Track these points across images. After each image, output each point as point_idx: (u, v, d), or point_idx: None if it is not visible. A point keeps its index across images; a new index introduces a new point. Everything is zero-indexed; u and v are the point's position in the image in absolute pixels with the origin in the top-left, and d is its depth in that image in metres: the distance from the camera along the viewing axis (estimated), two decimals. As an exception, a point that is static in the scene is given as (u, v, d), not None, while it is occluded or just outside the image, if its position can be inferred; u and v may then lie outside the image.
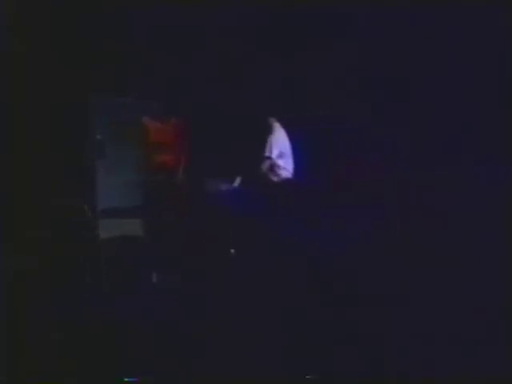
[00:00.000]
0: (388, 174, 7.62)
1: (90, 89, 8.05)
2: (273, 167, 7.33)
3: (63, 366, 4.46)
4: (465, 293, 6.07)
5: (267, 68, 8.31)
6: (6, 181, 6.64)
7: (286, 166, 7.46)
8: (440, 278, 6.54)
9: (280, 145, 7.43)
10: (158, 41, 8.12)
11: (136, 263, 6.88)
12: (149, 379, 4.34)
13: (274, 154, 7.32)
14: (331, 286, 6.04)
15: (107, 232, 7.15)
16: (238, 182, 7.39)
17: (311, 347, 4.82)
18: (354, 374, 4.29)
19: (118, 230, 7.13)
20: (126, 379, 4.25)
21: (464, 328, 5.12)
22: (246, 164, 7.56)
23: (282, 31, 8.41)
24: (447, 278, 6.56)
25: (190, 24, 8.06)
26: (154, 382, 4.35)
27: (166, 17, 7.94)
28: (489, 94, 7.81)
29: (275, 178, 7.36)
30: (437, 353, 4.67)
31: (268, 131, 7.43)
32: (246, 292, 6.01)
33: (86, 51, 7.99)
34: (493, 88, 7.76)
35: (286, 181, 7.42)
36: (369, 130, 7.92)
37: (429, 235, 7.18)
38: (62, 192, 7.42)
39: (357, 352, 4.73)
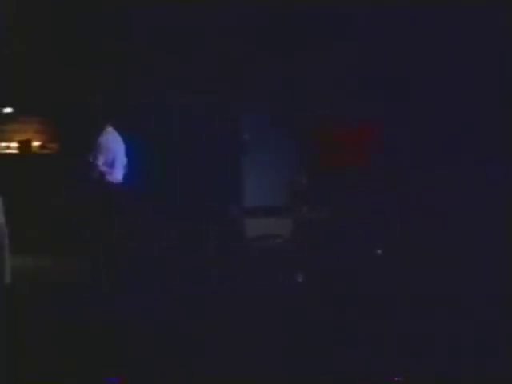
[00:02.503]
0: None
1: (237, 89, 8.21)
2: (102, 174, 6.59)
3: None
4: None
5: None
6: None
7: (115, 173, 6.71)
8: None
9: (110, 151, 6.64)
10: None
11: (279, 262, 6.99)
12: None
13: (101, 160, 6.54)
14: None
15: (253, 231, 7.38)
16: None
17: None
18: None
19: (264, 229, 7.20)
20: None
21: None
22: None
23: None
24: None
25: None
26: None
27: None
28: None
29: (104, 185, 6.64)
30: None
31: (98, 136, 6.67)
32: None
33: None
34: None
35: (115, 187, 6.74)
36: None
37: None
38: (210, 192, 7.80)
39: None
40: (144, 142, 7.48)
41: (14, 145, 7.96)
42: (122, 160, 6.72)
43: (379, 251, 7.34)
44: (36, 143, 7.99)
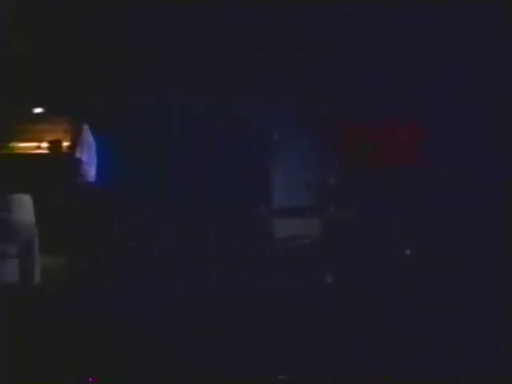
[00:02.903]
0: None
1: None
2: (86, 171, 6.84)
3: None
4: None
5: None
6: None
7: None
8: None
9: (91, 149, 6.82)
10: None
11: (307, 263, 7.00)
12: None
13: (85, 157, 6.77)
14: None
15: (281, 231, 7.33)
16: None
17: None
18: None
19: (292, 229, 7.24)
20: None
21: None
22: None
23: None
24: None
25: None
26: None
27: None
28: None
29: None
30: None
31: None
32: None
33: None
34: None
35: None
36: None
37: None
38: (241, 192, 7.76)
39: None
40: (174, 142, 7.61)
41: (45, 145, 7.98)
42: (94, 159, 6.74)
43: (408, 251, 7.28)
44: (66, 143, 7.98)
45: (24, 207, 6.45)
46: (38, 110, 7.95)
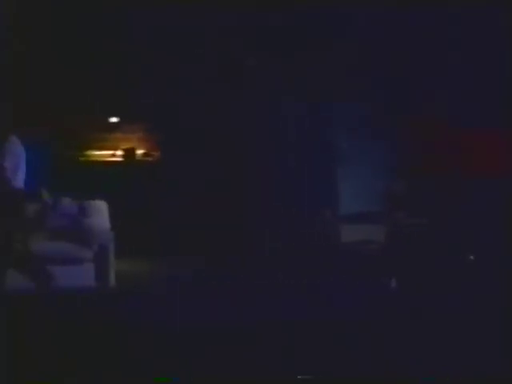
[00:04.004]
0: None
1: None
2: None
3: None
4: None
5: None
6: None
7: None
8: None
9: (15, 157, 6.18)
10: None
11: (373, 267, 7.00)
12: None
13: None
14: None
15: (348, 236, 7.43)
16: None
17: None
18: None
19: (358, 234, 7.28)
20: None
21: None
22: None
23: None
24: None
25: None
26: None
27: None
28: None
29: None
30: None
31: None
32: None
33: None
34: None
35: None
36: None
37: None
38: (307, 197, 8.03)
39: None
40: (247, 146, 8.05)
41: (119, 153, 8.35)
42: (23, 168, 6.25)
43: (472, 257, 7.23)
44: (140, 151, 8.41)
45: (100, 213, 6.65)
46: (113, 120, 8.37)
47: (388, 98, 8.47)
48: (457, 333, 5.06)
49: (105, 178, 7.75)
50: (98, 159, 8.38)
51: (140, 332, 5.11)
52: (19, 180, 6.37)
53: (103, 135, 8.53)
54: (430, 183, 7.92)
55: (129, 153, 8.37)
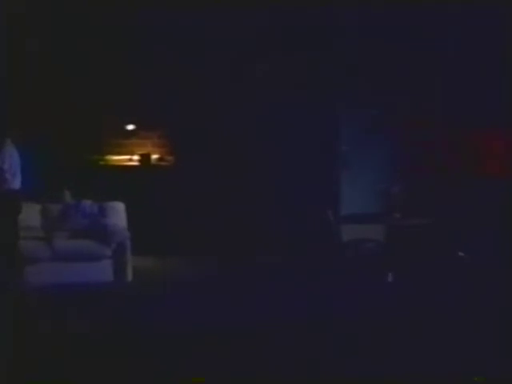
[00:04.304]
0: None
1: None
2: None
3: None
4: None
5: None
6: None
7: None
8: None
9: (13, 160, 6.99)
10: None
11: (372, 265, 7.54)
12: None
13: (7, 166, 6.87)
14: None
15: (347, 235, 7.91)
16: None
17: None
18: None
19: (357, 234, 7.73)
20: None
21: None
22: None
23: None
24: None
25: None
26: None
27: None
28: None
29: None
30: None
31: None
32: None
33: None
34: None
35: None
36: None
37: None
38: (311, 199, 8.51)
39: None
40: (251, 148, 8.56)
41: (135, 158, 8.80)
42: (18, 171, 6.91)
43: (461, 254, 7.63)
44: (154, 156, 8.84)
45: (117, 213, 7.21)
46: (130, 127, 8.82)
47: (387, 100, 8.70)
48: (452, 330, 5.28)
49: (122, 181, 8.19)
50: (116, 164, 8.83)
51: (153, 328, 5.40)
52: (18, 181, 6.89)
53: (121, 142, 8.98)
54: (425, 185, 8.30)
55: (144, 158, 8.82)
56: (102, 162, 8.81)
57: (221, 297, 6.58)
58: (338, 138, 9.06)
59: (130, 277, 7.08)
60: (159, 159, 8.96)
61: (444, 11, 7.90)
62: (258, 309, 6.06)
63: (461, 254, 7.66)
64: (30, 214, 7.05)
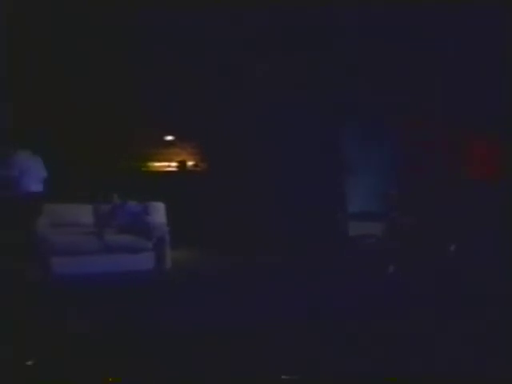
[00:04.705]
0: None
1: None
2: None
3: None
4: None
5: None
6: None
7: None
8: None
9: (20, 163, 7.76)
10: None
11: (373, 256, 8.19)
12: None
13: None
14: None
15: (353, 231, 8.81)
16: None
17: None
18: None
19: (361, 229, 8.59)
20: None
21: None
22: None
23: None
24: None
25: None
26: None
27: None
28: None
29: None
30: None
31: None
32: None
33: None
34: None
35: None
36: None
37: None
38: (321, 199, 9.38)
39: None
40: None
41: (173, 164, 9.97)
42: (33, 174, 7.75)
43: (452, 248, 8.09)
44: (190, 163, 10.03)
45: (158, 212, 7.99)
46: (168, 139, 10.07)
47: (387, 100, 8.77)
48: (452, 330, 5.27)
49: (162, 184, 9.16)
50: (157, 170, 9.92)
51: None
52: (29, 184, 7.60)
53: (161, 150, 10.12)
54: (419, 186, 8.76)
55: (181, 164, 9.95)
56: (145, 169, 9.86)
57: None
58: (337, 138, 9.28)
59: (168, 267, 7.81)
60: (193, 165, 10.10)
61: (444, 11, 7.87)
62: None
63: (452, 247, 8.05)
64: (84, 213, 8.01)
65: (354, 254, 8.43)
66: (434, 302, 6.01)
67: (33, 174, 7.70)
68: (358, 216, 8.76)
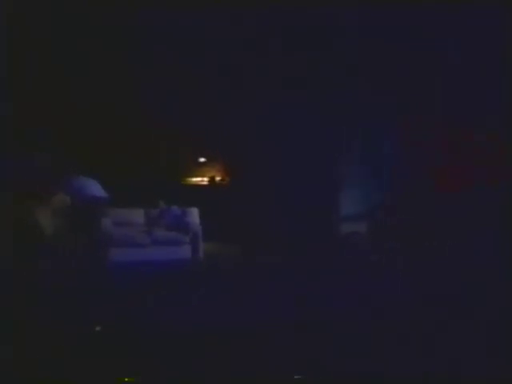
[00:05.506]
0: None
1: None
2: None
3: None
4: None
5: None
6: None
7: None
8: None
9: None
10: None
11: (361, 250, 8.97)
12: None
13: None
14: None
15: (345, 229, 9.57)
16: None
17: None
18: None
19: (353, 227, 9.46)
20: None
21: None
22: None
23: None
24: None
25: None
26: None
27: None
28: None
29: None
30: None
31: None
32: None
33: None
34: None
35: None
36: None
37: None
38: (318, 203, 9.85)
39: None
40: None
41: (205, 179, 12.31)
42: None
43: (452, 248, 8.29)
44: (218, 178, 12.26)
45: (193, 214, 9.88)
46: (201, 160, 12.27)
47: (387, 100, 8.82)
48: (452, 329, 5.29)
49: (196, 195, 11.29)
50: (193, 183, 12.30)
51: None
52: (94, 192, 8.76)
53: (196, 169, 12.32)
54: (419, 186, 8.91)
55: (211, 179, 12.20)
56: (184, 182, 12.27)
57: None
58: (337, 138, 9.37)
59: (202, 257, 9.48)
60: (221, 180, 12.30)
61: (444, 11, 7.87)
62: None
63: (452, 247, 8.19)
64: (138, 216, 10.05)
65: (354, 254, 8.79)
66: (434, 302, 5.98)
67: (94, 185, 8.91)
68: (358, 216, 9.12)
